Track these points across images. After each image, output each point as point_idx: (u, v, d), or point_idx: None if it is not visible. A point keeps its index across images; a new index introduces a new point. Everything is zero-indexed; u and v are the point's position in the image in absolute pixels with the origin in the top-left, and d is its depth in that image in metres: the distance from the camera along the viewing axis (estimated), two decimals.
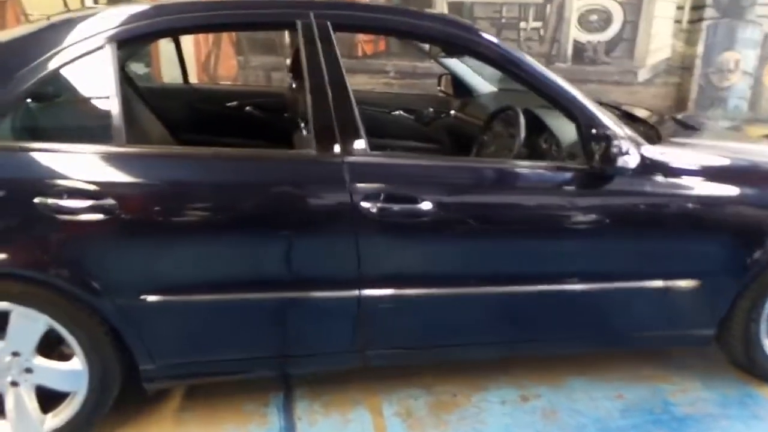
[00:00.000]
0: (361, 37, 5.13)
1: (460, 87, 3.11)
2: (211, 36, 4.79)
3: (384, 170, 1.82)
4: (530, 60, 1.93)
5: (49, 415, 1.83)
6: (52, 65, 1.67)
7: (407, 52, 5.13)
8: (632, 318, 2.09)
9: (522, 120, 2.17)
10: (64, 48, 1.68)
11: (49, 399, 1.81)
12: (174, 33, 1.94)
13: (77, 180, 1.63)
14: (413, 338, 2.01)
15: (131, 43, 1.76)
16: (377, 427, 2.02)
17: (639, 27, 5.44)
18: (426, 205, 1.76)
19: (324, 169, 1.77)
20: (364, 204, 1.73)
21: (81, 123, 1.76)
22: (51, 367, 1.78)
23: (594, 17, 5.32)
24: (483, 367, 2.33)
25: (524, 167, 1.93)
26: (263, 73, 5.02)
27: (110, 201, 1.62)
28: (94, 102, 1.71)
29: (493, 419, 2.06)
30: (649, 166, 1.90)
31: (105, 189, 1.63)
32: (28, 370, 1.77)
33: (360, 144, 1.77)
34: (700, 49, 5.42)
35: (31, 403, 1.79)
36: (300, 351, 1.96)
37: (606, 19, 5.34)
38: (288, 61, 4.80)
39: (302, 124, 2.19)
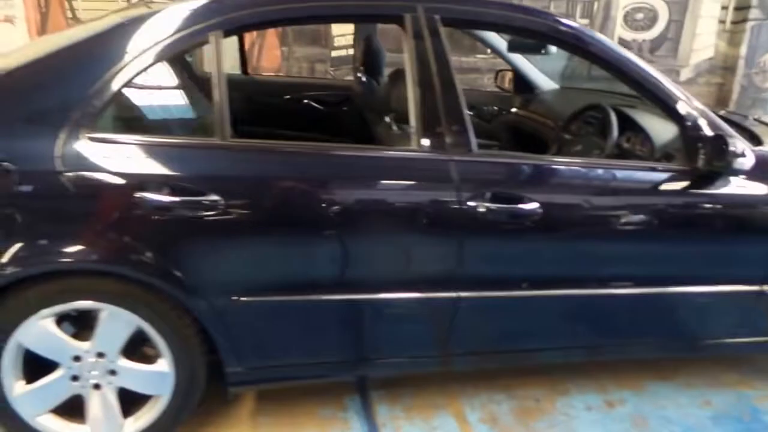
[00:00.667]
0: None
1: (520, 83, 3.03)
2: None
3: (492, 169, 1.76)
4: (636, 59, 1.89)
5: (130, 418, 1.76)
6: (152, 56, 1.58)
7: (453, 46, 5.02)
8: (726, 323, 2.03)
9: (614, 119, 2.11)
10: (167, 37, 1.59)
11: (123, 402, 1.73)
12: (278, 24, 1.86)
13: (179, 175, 1.55)
14: (502, 341, 1.95)
15: (236, 33, 1.68)
16: None
17: (684, 26, 5.39)
18: (532, 206, 1.70)
19: (430, 167, 1.70)
20: (471, 203, 1.67)
21: (184, 116, 1.69)
22: (136, 369, 1.70)
23: (640, 15, 5.26)
24: (562, 370, 2.26)
25: (628, 167, 1.87)
26: (307, 64, 4.91)
27: (214, 197, 1.55)
28: (197, 94, 1.63)
29: (583, 427, 2.00)
30: (759, 168, 1.84)
31: (209, 184, 1.55)
32: (112, 372, 1.69)
33: (468, 142, 1.70)
34: (743, 49, 5.38)
35: (113, 407, 1.72)
36: (386, 353, 1.89)
37: (652, 18, 5.28)
38: (333, 53, 4.73)
39: (389, 120, 2.12)
